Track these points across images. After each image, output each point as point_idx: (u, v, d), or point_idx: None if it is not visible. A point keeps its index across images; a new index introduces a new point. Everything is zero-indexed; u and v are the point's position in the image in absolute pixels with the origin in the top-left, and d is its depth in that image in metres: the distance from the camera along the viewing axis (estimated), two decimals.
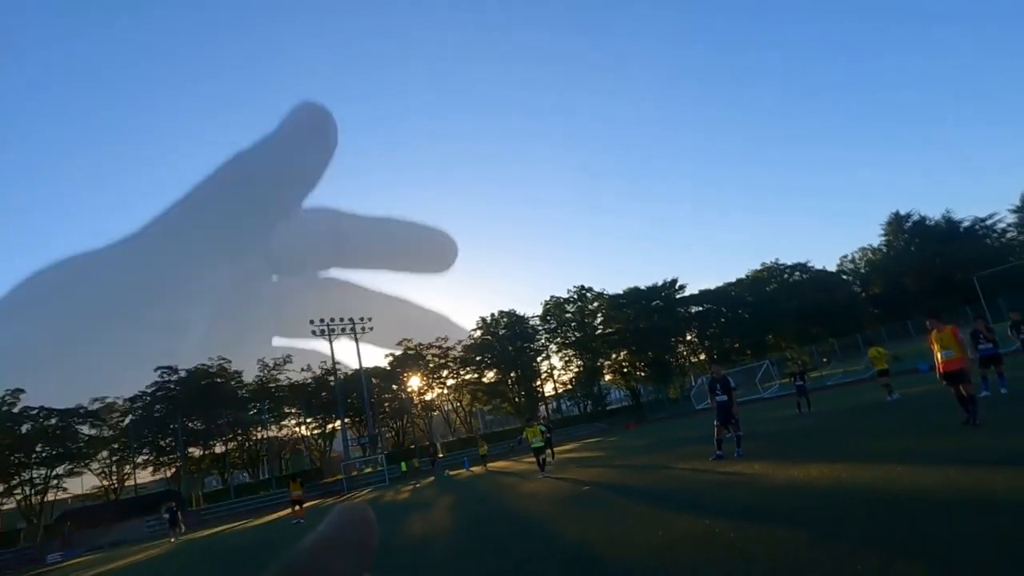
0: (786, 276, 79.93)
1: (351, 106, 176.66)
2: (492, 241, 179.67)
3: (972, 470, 6.20)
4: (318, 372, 67.94)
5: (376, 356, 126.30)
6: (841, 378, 41.53)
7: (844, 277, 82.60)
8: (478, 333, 73.03)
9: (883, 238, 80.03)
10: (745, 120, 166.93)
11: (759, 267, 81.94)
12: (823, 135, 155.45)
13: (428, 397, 73.67)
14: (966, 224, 73.62)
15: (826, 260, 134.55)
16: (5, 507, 58.20)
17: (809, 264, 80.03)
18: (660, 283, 75.86)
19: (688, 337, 79.64)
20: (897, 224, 78.14)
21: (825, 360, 56.40)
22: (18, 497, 57.30)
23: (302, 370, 69.19)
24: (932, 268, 67.86)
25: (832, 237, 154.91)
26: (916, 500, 5.41)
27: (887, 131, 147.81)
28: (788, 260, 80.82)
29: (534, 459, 20.46)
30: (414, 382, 71.90)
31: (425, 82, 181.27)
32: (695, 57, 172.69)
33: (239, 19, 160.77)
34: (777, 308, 72.43)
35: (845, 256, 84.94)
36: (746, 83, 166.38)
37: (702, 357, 76.89)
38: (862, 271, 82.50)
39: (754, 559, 4.63)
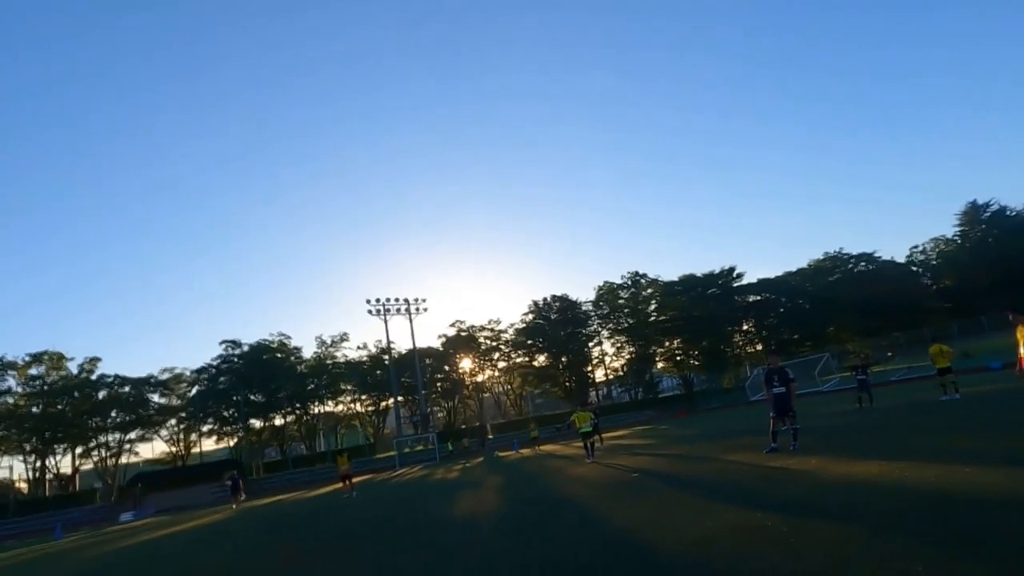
0: (850, 266, 76.93)
1: (373, 93, 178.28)
2: (547, 225, 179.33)
3: None
4: (373, 351, 69.63)
5: (429, 336, 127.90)
6: (906, 374, 39.91)
7: (914, 269, 78.84)
8: (530, 317, 73.25)
9: (958, 228, 75.92)
10: (817, 107, 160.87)
11: (821, 256, 79.14)
12: (897, 121, 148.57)
13: (479, 379, 74.58)
14: None
15: (895, 251, 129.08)
16: (83, 468, 62.16)
17: (876, 255, 76.80)
18: (717, 271, 74.27)
19: (744, 326, 77.85)
20: (974, 214, 73.85)
21: (890, 354, 54.20)
22: (95, 459, 61.04)
23: (358, 348, 71.11)
24: (1011, 261, 63.95)
25: (904, 227, 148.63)
26: (980, 501, 5.18)
27: (966, 117, 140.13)
28: (854, 250, 77.82)
29: (582, 444, 20.53)
30: (466, 363, 72.88)
31: (474, 65, 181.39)
32: (755, 40, 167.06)
33: (237, 16, 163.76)
34: (840, 299, 69.85)
35: (916, 247, 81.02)
36: (811, 68, 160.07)
37: (758, 347, 75.09)
38: (933, 263, 78.50)
39: (804, 554, 4.54)
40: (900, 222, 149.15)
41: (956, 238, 76.20)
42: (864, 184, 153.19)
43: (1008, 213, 71.25)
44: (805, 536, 5.02)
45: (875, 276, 72.98)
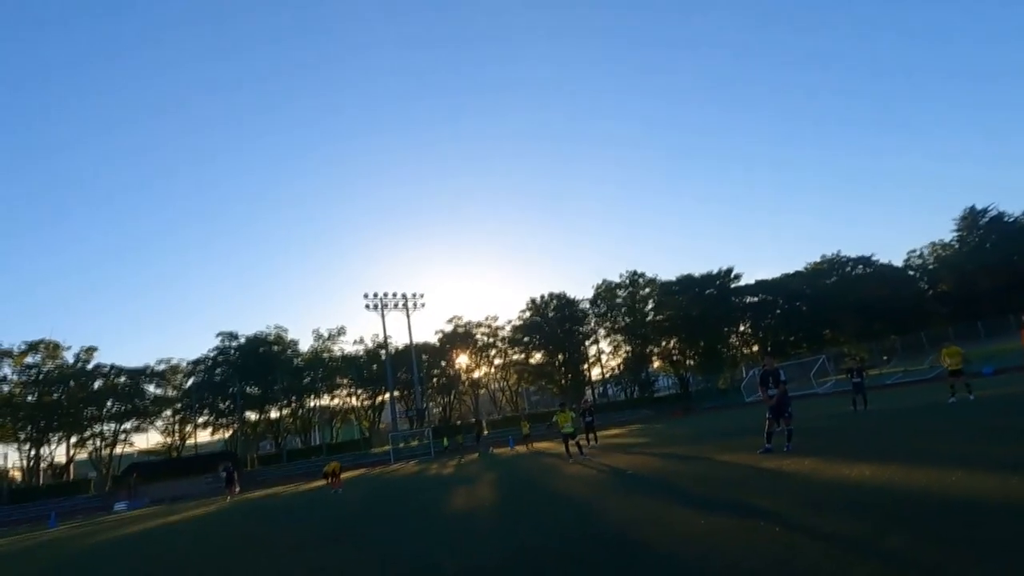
0: (848, 269, 77.15)
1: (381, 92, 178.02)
2: (546, 222, 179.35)
3: None
4: (370, 345, 69.65)
5: (427, 331, 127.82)
6: (901, 377, 40.06)
7: (911, 273, 79.03)
8: (527, 314, 73.29)
9: (956, 233, 76.07)
10: (811, 103, 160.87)
11: (819, 259, 79.35)
12: (895, 120, 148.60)
13: (476, 375, 74.63)
14: None
15: (892, 254, 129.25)
16: (77, 457, 62.09)
17: (873, 258, 77.04)
18: (715, 271, 74.37)
19: (741, 327, 77.99)
20: (972, 219, 73.99)
21: (885, 358, 54.38)
22: (90, 448, 60.96)
23: (354, 342, 71.14)
24: (1009, 267, 64.14)
25: (900, 230, 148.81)
26: (971, 505, 5.23)
27: (968, 120, 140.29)
28: (851, 253, 78.09)
29: (563, 444, 19.97)
30: (463, 360, 72.92)
31: (477, 59, 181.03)
32: (757, 36, 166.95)
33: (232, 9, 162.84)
34: (837, 302, 70.05)
35: (913, 251, 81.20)
36: (814, 63, 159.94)
37: (755, 348, 75.26)
38: (931, 267, 78.69)
39: (797, 552, 4.57)
40: (898, 226, 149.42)
41: (954, 243, 76.35)
42: (864, 186, 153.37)
43: (1006, 219, 71.40)
44: (799, 536, 5.06)
45: (872, 279, 73.16)
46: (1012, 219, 70.99)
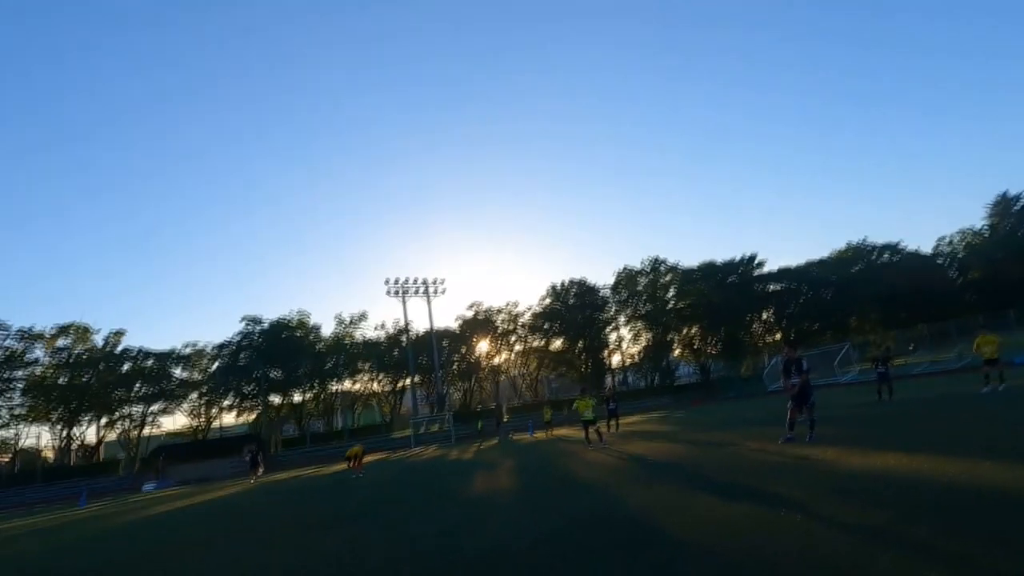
0: (874, 257, 75.91)
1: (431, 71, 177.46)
2: (566, 208, 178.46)
3: None
4: (391, 331, 70.17)
5: (447, 317, 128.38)
6: (929, 367, 39.38)
7: (939, 261, 77.53)
8: (547, 301, 73.19)
9: (987, 220, 74.41)
10: (840, 84, 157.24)
11: (844, 247, 78.17)
12: (926, 103, 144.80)
13: (496, 361, 74.86)
14: None
15: (921, 241, 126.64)
16: (107, 438, 63.60)
17: (901, 245, 75.71)
18: (737, 258, 73.55)
19: (764, 315, 77.17)
20: (1004, 206, 72.32)
21: (911, 347, 53.47)
22: (119, 430, 62.39)
23: (376, 328, 71.71)
24: None
25: (930, 217, 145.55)
26: (1002, 496, 5.12)
27: (1001, 103, 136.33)
28: (878, 240, 76.85)
29: (583, 431, 20.38)
30: (483, 346, 73.15)
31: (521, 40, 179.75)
32: (782, 14, 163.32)
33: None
34: (862, 290, 68.98)
35: (943, 238, 79.64)
36: (837, 38, 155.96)
37: (778, 336, 74.44)
38: (960, 255, 77.10)
39: (819, 542, 4.52)
40: (928, 213, 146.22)
41: (984, 230, 74.68)
42: (893, 172, 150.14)
43: None
44: (821, 525, 5.00)
45: (899, 267, 71.93)
46: None
